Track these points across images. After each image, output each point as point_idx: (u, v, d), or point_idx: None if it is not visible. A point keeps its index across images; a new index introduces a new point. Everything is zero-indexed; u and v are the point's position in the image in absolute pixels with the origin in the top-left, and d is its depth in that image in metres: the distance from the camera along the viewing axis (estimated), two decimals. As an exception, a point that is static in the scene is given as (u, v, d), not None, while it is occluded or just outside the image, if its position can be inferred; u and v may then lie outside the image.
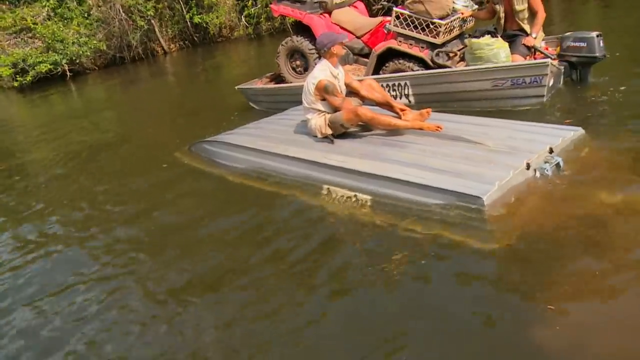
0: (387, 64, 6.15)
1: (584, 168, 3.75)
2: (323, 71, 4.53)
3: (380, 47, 6.17)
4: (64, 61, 16.38)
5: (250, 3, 16.16)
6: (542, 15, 5.61)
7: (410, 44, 5.97)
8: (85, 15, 17.15)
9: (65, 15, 17.17)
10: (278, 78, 7.35)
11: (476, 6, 6.31)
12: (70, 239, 4.51)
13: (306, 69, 6.86)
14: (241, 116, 7.28)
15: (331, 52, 4.54)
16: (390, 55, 6.12)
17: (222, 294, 3.27)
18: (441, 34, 5.79)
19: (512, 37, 5.76)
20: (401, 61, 6.02)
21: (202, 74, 13.46)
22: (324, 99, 4.52)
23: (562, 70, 5.52)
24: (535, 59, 5.45)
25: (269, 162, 4.78)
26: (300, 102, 6.52)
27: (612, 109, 4.82)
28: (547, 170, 3.68)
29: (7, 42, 16.52)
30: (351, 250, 3.48)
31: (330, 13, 6.79)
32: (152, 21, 17.36)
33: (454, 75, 5.62)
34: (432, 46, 5.88)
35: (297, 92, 6.66)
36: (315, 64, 6.57)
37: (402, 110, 4.54)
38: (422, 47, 5.91)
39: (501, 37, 5.78)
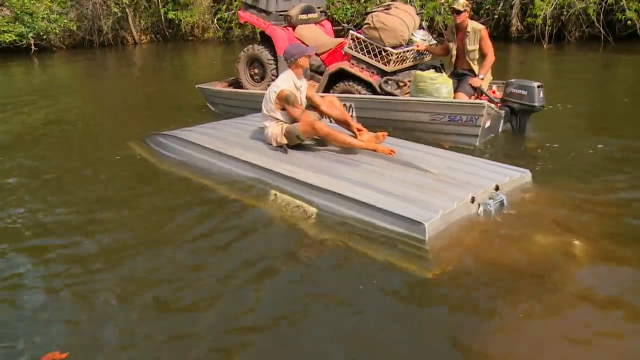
0: (337, 84, 6.16)
1: (526, 209, 3.77)
2: (286, 81, 4.45)
3: (333, 67, 6.18)
4: (30, 34, 15.73)
5: (224, 7, 15.99)
6: (491, 58, 5.71)
7: (362, 68, 5.99)
8: (62, -9, 16.61)
9: None
10: (237, 83, 7.29)
11: (434, 41, 6.38)
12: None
13: (263, 77, 6.85)
14: (198, 115, 7.19)
15: (297, 63, 4.47)
16: (342, 76, 6.14)
17: (155, 293, 3.10)
18: (392, 62, 5.84)
19: (461, 75, 5.83)
20: (351, 83, 6.04)
21: (168, 69, 13.21)
22: (283, 109, 4.44)
23: (503, 115, 5.52)
24: (479, 99, 5.49)
25: (221, 164, 4.65)
26: (254, 109, 6.39)
27: (553, 157, 4.89)
28: (490, 206, 3.68)
29: None
30: (288, 262, 3.38)
31: (294, 27, 6.78)
32: (127, 10, 16.99)
33: (395, 103, 5.64)
34: (382, 73, 5.91)
35: (251, 99, 6.71)
36: (272, 74, 6.61)
37: (359, 130, 4.50)
38: (373, 73, 5.93)
39: (451, 74, 5.86)
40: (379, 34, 5.85)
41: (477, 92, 5.63)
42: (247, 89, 6.98)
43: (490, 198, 3.75)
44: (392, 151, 4.22)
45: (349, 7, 13.31)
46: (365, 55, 5.94)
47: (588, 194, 4.03)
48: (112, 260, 3.43)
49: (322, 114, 4.62)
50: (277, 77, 6.50)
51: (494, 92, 5.72)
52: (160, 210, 4.17)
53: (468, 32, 5.69)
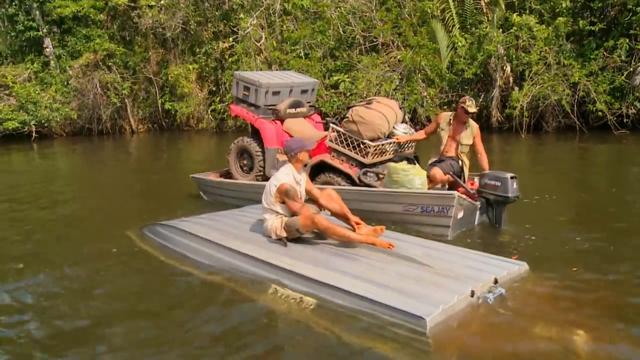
0: (319, 176, 6.17)
1: (525, 301, 3.69)
2: (287, 175, 4.44)
3: (314, 159, 6.20)
4: (32, 122, 16.09)
5: (217, 99, 16.36)
6: (485, 154, 5.82)
7: (342, 160, 6.03)
8: (65, 83, 17.04)
9: (45, 80, 17.03)
10: (228, 174, 7.31)
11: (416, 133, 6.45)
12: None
13: (251, 168, 6.87)
14: (191, 204, 7.24)
15: (297, 158, 4.48)
16: (324, 167, 6.16)
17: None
18: (370, 154, 5.87)
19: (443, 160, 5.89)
20: (331, 175, 6.06)
21: (164, 158, 13.28)
22: (283, 202, 4.39)
23: (479, 207, 5.48)
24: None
25: (220, 256, 4.54)
26: (243, 199, 6.57)
27: (547, 246, 4.85)
28: (490, 300, 3.60)
29: None
30: (288, 357, 3.29)
31: (282, 120, 6.87)
32: (126, 100, 17.29)
33: (370, 194, 5.65)
34: (361, 165, 5.94)
35: (239, 189, 6.76)
36: (260, 166, 6.67)
37: (357, 223, 4.44)
38: (352, 165, 5.97)
39: (437, 160, 5.89)
40: (357, 128, 5.92)
41: (454, 178, 5.63)
42: (237, 179, 6.99)
43: (489, 291, 3.67)
44: (390, 245, 4.15)
45: (335, 100, 13.66)
46: (345, 148, 5.98)
47: (584, 282, 3.99)
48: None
49: (321, 206, 4.58)
50: (264, 168, 6.65)
51: (472, 184, 5.69)
52: (158, 305, 4.01)
53: (467, 127, 5.81)
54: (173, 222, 5.25)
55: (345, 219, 4.49)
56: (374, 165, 5.97)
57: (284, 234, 4.40)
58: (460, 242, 4.97)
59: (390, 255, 4.13)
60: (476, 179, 5.88)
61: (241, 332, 3.56)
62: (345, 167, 5.98)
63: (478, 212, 5.50)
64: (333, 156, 6.08)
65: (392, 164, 5.68)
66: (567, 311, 3.55)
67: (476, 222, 5.54)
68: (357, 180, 5.88)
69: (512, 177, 5.22)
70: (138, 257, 4.99)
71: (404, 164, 5.62)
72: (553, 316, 3.47)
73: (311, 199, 4.62)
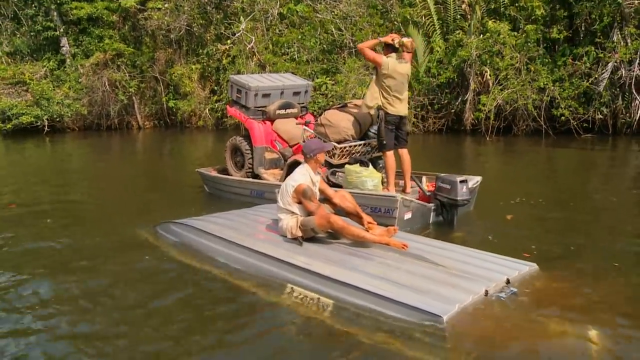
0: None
1: (537, 300, 3.41)
2: (303, 175, 4.09)
3: (290, 159, 5.97)
4: (44, 117, 15.67)
5: (214, 98, 15.84)
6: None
7: None
8: (78, 80, 16.54)
9: (61, 77, 16.56)
10: (226, 169, 7.11)
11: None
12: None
13: (243, 165, 6.63)
14: (199, 198, 6.97)
15: (316, 159, 4.12)
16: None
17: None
18: (337, 155, 5.66)
19: None
20: None
21: (169, 153, 12.79)
22: (299, 202, 4.03)
23: (432, 208, 5.18)
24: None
25: (235, 254, 4.15)
26: (234, 194, 6.45)
27: (557, 247, 4.56)
28: (503, 299, 3.31)
29: (2, 92, 15.86)
30: (305, 356, 2.99)
31: (272, 121, 6.65)
32: (134, 97, 16.73)
33: None
34: (330, 165, 5.70)
35: (231, 184, 6.60)
36: (249, 163, 6.46)
37: (370, 223, 4.09)
38: (322, 165, 5.67)
39: None
40: (325, 130, 5.75)
41: (416, 183, 5.42)
42: (231, 174, 6.79)
43: (502, 291, 3.38)
44: (405, 245, 3.82)
45: (320, 100, 13.22)
46: None
47: (592, 280, 3.78)
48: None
49: (335, 206, 4.22)
50: (252, 166, 6.42)
51: (432, 185, 5.31)
52: (175, 302, 3.65)
53: None
54: (187, 221, 4.84)
55: (358, 219, 4.16)
56: (342, 165, 5.70)
57: (300, 233, 4.05)
58: (470, 242, 4.63)
59: (404, 255, 3.81)
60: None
61: (258, 330, 3.27)
62: None
63: (433, 213, 5.21)
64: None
65: (347, 166, 5.46)
66: (580, 309, 3.32)
67: (431, 221, 5.23)
68: (326, 180, 5.60)
69: (461, 181, 4.92)
70: (153, 255, 4.55)
71: (356, 166, 5.39)
72: (566, 314, 3.23)
73: (324, 199, 4.25)
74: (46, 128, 15.76)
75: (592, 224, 5.29)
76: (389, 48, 5.37)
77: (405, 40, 5.35)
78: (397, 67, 5.28)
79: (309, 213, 4.02)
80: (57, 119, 16.08)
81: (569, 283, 3.71)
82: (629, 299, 3.51)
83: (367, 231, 4.01)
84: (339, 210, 4.21)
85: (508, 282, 3.46)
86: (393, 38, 5.34)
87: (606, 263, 4.13)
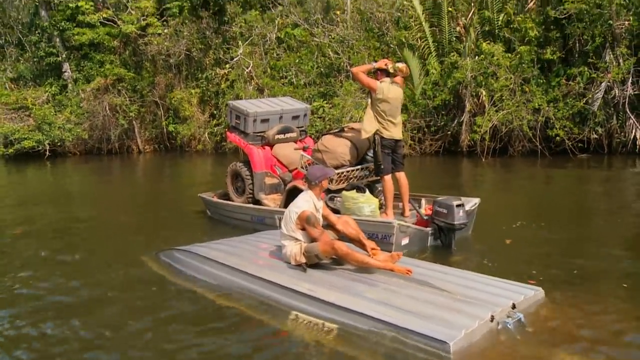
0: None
1: (544, 326, 3.38)
2: (307, 202, 4.08)
3: (289, 185, 5.95)
4: (46, 141, 15.77)
5: (213, 122, 15.90)
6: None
7: None
8: (80, 105, 16.64)
9: (62, 102, 16.68)
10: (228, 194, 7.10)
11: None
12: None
13: (244, 190, 6.59)
14: (201, 223, 6.94)
15: (321, 185, 4.13)
16: (297, 192, 5.81)
17: None
18: (334, 181, 5.63)
19: None
20: None
21: (169, 177, 12.77)
22: (303, 229, 4.01)
23: (430, 232, 5.14)
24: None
25: (239, 281, 4.12)
26: (235, 219, 6.43)
27: (562, 272, 4.49)
28: (509, 325, 3.29)
29: (5, 117, 16.00)
30: None
31: (272, 146, 6.63)
32: (134, 122, 16.79)
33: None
34: (327, 191, 5.65)
35: (232, 210, 6.58)
36: (250, 189, 6.43)
37: (373, 249, 4.06)
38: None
39: None
40: (322, 156, 5.74)
41: (414, 207, 5.40)
42: (232, 200, 6.74)
43: (508, 316, 3.35)
44: (409, 270, 3.80)
45: (317, 124, 13.26)
46: None
47: (600, 304, 3.74)
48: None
49: (338, 232, 4.20)
50: (253, 191, 6.40)
51: (430, 208, 5.28)
52: (180, 329, 3.61)
53: None
54: (189, 247, 4.81)
55: (361, 245, 4.12)
56: (339, 190, 5.67)
57: (303, 260, 4.02)
58: (470, 267, 4.59)
59: (409, 280, 3.78)
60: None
61: (265, 358, 3.23)
62: None
63: (431, 237, 5.17)
64: (305, 182, 5.76)
65: (344, 192, 5.44)
66: (588, 336, 3.27)
67: (429, 244, 5.19)
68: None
69: (457, 205, 4.88)
70: (158, 284, 4.50)
71: (353, 193, 5.37)
72: (572, 341, 3.20)
73: (327, 225, 4.24)
74: (47, 152, 15.82)
75: (593, 245, 5.27)
76: (382, 73, 5.44)
77: (399, 65, 5.43)
78: (391, 91, 5.34)
79: (313, 239, 4.00)
80: (59, 144, 16.15)
81: (576, 308, 3.66)
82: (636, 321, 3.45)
83: (371, 257, 3.99)
84: (343, 237, 4.19)
85: (514, 307, 3.43)
86: (386, 63, 5.42)
87: (612, 284, 4.10)
